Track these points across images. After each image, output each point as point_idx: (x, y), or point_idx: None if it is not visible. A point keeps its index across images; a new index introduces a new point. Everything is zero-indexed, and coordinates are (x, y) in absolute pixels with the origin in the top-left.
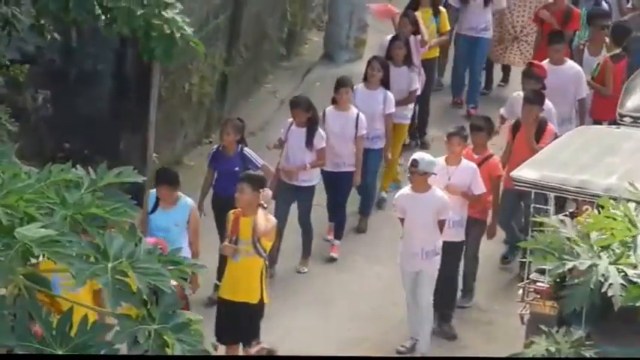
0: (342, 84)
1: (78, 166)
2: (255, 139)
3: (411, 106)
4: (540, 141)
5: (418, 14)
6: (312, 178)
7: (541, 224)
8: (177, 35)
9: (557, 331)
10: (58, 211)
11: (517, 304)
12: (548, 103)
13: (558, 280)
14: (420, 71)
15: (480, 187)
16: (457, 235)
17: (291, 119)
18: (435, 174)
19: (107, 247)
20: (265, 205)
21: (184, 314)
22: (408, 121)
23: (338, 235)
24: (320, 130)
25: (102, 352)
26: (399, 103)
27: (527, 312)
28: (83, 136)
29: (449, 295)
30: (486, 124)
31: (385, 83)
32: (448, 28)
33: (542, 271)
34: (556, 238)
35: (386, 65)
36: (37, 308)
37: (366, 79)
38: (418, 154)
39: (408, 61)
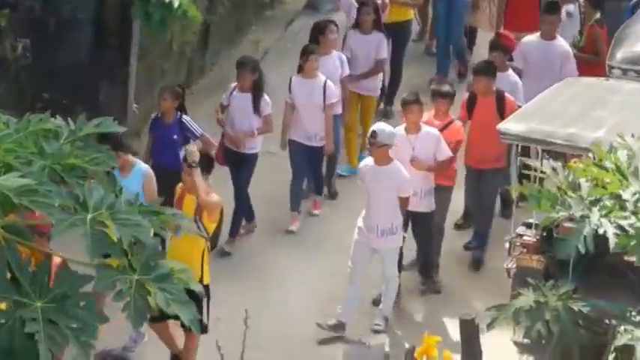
0: (308, 50)
1: (57, 116)
2: None
3: (381, 76)
4: (505, 114)
5: None
6: (257, 145)
7: (527, 169)
8: (176, 4)
9: (545, 284)
10: (37, 161)
11: (505, 254)
12: (513, 76)
13: (545, 233)
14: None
15: (444, 153)
16: (428, 205)
17: (234, 83)
18: (394, 145)
19: (86, 198)
20: (194, 164)
21: (167, 264)
22: (378, 93)
23: (318, 190)
24: (265, 96)
25: (82, 304)
26: (367, 74)
27: (514, 266)
28: (63, 85)
29: (426, 266)
30: (449, 91)
31: (379, 27)
32: None
33: (528, 225)
34: (546, 189)
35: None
36: (16, 259)
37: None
38: (378, 125)
39: (377, 27)
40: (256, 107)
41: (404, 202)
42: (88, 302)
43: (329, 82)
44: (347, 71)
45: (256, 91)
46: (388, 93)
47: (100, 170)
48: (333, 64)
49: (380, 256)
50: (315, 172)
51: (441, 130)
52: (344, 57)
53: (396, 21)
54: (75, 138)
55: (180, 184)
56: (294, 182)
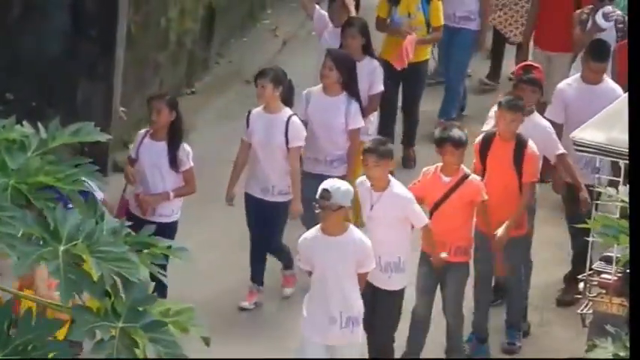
0: (260, 74)
1: (24, 121)
2: (250, 86)
3: (374, 117)
4: (523, 169)
5: (402, 1)
6: (174, 212)
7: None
8: None
9: (627, 334)
10: None
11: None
12: (542, 119)
13: (628, 270)
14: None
15: (419, 220)
16: (396, 281)
17: (143, 130)
18: (349, 206)
19: (58, 225)
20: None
21: (167, 303)
22: (369, 138)
23: (286, 263)
24: (185, 145)
25: (51, 355)
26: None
27: (590, 311)
28: (31, 83)
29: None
30: (460, 137)
31: (349, 85)
32: (442, 22)
33: (608, 260)
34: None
35: (347, 60)
36: None
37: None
38: (330, 183)
39: (367, 52)
40: (173, 159)
41: (363, 278)
42: (60, 353)
43: (294, 119)
44: (379, 87)
45: (173, 138)
46: (406, 139)
47: (77, 190)
48: (335, 109)
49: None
50: (272, 237)
51: (453, 188)
52: (355, 104)
53: (415, 61)
54: (46, 150)
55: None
56: (253, 248)
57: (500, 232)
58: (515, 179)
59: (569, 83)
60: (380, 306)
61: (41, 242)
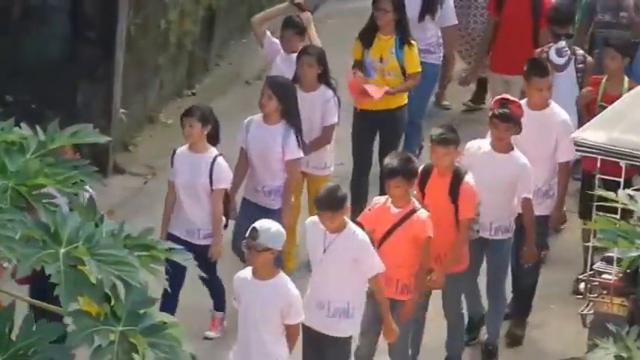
0: (186, 113)
1: (22, 124)
2: (251, 88)
3: (330, 147)
4: (459, 205)
5: (376, 43)
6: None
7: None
8: None
9: (629, 333)
10: None
11: (577, 302)
12: (522, 157)
13: (629, 270)
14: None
15: (372, 267)
16: (344, 328)
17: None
18: (280, 250)
19: (59, 228)
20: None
21: (157, 315)
22: (329, 172)
23: (216, 304)
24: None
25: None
26: (310, 145)
27: (591, 311)
28: (31, 86)
29: None
30: (405, 165)
31: (289, 114)
32: (418, 69)
33: (609, 260)
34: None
35: (287, 88)
36: None
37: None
38: (260, 222)
39: (324, 81)
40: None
41: (294, 332)
42: (60, 358)
43: (219, 160)
44: (332, 119)
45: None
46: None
47: (77, 192)
48: (272, 138)
49: None
50: (205, 280)
51: (400, 222)
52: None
53: (385, 108)
54: (45, 152)
55: None
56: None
57: (434, 275)
58: (451, 214)
59: None
60: (328, 353)
61: (41, 244)
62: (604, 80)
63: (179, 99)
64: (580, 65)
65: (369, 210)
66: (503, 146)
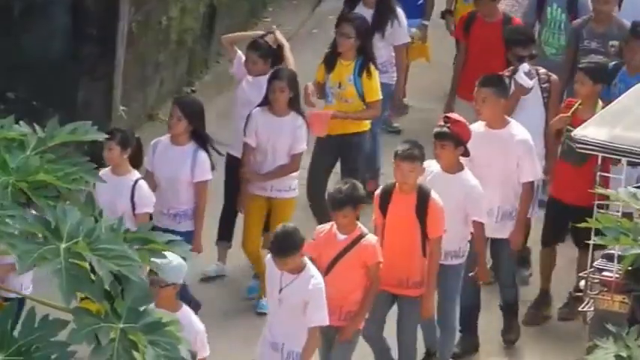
0: (108, 134)
1: (21, 121)
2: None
3: (296, 174)
4: (427, 224)
5: (337, 67)
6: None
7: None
8: None
9: (629, 332)
10: None
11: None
12: (471, 178)
13: (631, 268)
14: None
15: (317, 319)
16: None
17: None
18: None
19: (59, 224)
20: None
21: (157, 312)
22: (295, 194)
23: None
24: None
25: (53, 356)
26: (277, 172)
27: (591, 309)
28: (31, 82)
29: None
30: (352, 194)
31: (198, 134)
32: (377, 97)
33: (610, 258)
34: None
35: (196, 108)
36: None
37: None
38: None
39: (294, 107)
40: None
41: None
42: (61, 355)
43: (141, 183)
44: (300, 146)
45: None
46: None
47: (76, 188)
48: (182, 159)
49: None
50: None
51: (348, 248)
52: (202, 155)
53: (342, 133)
54: (45, 148)
55: None
56: None
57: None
58: (417, 234)
59: (476, 130)
60: None
61: (42, 240)
62: (577, 104)
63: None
64: (545, 85)
65: (313, 239)
66: (450, 166)
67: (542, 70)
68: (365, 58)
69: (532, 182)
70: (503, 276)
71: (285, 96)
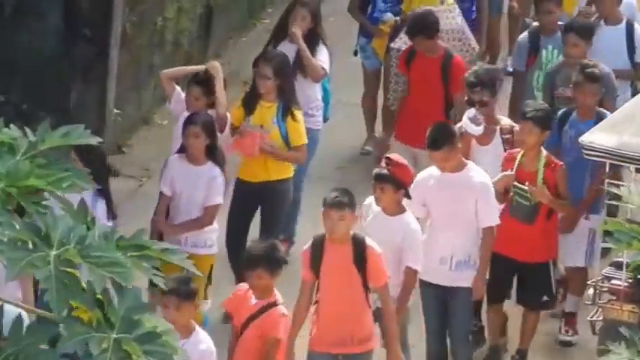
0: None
1: (11, 124)
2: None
3: (215, 228)
4: (367, 273)
5: (258, 110)
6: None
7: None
8: None
9: None
10: None
11: (586, 308)
12: (413, 222)
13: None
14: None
15: None
16: None
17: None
18: None
19: (50, 230)
20: None
21: (151, 320)
22: (214, 250)
23: None
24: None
25: None
26: (191, 224)
27: (600, 318)
28: (22, 85)
29: None
30: (269, 254)
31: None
32: (303, 141)
33: (619, 265)
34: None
35: (97, 153)
36: None
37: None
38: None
39: (211, 156)
40: None
41: None
42: None
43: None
44: (217, 199)
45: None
46: None
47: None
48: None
49: None
50: None
51: (256, 315)
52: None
53: (265, 179)
54: (35, 152)
55: None
56: None
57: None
58: (359, 286)
59: (430, 174)
60: None
61: (31, 247)
62: (519, 156)
63: None
64: (507, 136)
65: (233, 295)
66: (390, 209)
67: (505, 121)
68: (287, 99)
69: (492, 228)
70: (456, 330)
71: (201, 142)
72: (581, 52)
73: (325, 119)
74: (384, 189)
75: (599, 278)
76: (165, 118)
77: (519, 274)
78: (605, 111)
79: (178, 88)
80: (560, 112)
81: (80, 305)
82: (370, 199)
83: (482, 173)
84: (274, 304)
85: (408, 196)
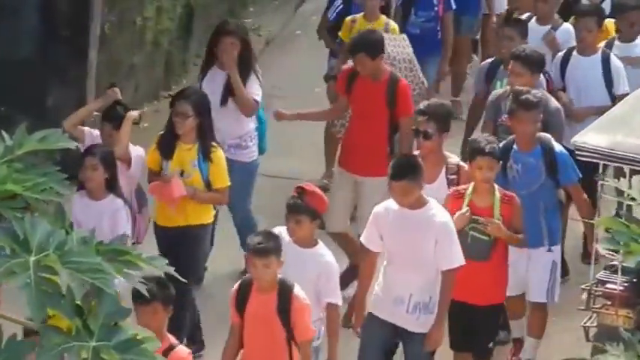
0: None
1: None
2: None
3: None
4: (292, 324)
5: (177, 153)
6: None
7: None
8: None
9: None
10: None
11: (579, 314)
12: (329, 257)
13: (636, 279)
14: None
15: None
16: None
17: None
18: None
19: (28, 236)
20: None
21: (130, 328)
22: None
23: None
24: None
25: None
26: None
27: (594, 324)
28: None
29: None
30: (164, 292)
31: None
32: (226, 183)
33: (613, 269)
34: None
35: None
36: None
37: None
38: None
39: (112, 189)
40: None
41: None
42: None
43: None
44: (121, 230)
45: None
46: None
47: (46, 199)
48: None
49: None
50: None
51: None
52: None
53: (185, 224)
54: (12, 157)
55: None
56: None
57: None
58: (281, 339)
59: (387, 207)
60: None
61: (10, 253)
62: (468, 192)
63: (155, 101)
64: (452, 176)
65: None
66: (304, 241)
67: (452, 160)
68: (206, 139)
69: (453, 270)
70: None
71: (99, 175)
72: (524, 83)
73: (262, 151)
74: (299, 221)
75: (594, 282)
76: (145, 121)
77: (469, 318)
78: (547, 135)
79: (86, 128)
80: (500, 146)
81: (58, 313)
82: (279, 229)
83: (443, 212)
84: (172, 347)
85: (322, 227)
